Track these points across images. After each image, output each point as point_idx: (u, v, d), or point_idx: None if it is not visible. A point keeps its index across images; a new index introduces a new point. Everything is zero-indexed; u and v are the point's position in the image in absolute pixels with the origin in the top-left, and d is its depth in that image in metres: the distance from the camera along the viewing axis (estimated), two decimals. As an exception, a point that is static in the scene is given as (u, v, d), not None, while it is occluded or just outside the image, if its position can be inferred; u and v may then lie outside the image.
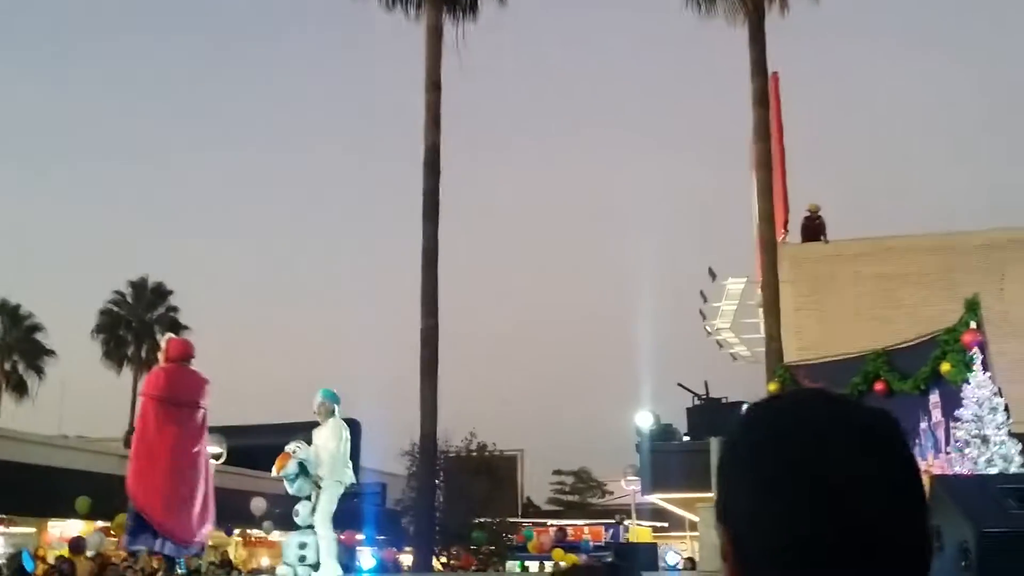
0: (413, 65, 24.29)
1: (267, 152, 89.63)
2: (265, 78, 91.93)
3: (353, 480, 11.27)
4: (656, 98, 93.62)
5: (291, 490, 10.73)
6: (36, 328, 43.40)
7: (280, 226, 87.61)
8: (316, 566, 10.62)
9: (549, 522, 41.39)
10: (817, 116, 78.71)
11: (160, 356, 9.53)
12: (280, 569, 10.88)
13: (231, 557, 25.71)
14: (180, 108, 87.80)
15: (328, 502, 10.74)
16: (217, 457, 23.45)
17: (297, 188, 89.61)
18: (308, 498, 10.74)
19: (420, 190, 23.18)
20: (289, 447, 10.71)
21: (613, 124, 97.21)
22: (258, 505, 24.82)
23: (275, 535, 26.07)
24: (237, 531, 26.24)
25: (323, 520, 10.73)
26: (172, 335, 10.46)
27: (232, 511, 24.91)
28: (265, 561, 23.62)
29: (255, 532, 25.75)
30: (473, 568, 28.88)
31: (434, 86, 23.75)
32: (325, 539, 10.73)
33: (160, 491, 8.83)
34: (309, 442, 10.91)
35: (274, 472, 10.71)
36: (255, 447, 21.93)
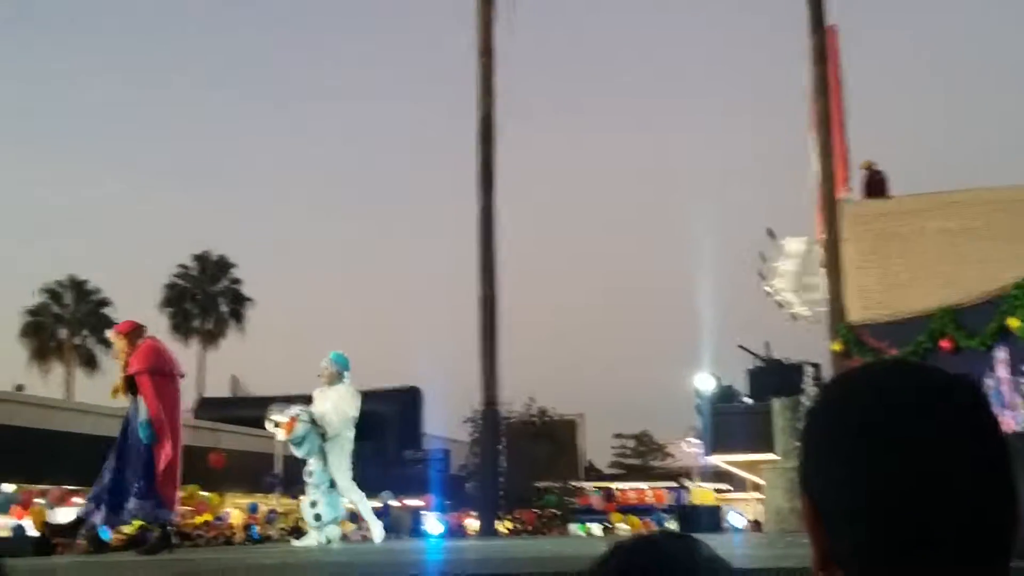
0: (468, 32, 24.26)
1: (324, 122, 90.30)
2: (322, 57, 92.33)
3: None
4: (712, 57, 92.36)
5: (300, 453, 10.74)
6: (104, 303, 44.47)
7: (339, 196, 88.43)
8: (332, 522, 10.73)
9: (615, 485, 41.56)
10: (878, 70, 76.90)
11: (119, 341, 9.15)
12: (307, 538, 10.90)
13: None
14: (234, 81, 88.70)
15: (344, 465, 10.76)
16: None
17: (355, 157, 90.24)
18: (315, 459, 10.71)
19: (476, 158, 23.24)
20: (291, 410, 10.62)
21: (669, 85, 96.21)
22: None
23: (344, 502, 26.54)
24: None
25: (348, 484, 10.77)
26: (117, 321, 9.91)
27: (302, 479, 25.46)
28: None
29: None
30: (528, 529, 29.17)
31: (486, 52, 23.68)
32: (357, 499, 10.87)
33: (175, 467, 8.84)
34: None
35: (281, 436, 10.64)
36: (320, 416, 22.27)
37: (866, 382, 1.00)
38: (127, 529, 9.29)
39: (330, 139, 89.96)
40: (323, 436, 10.63)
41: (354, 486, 10.87)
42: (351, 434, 10.90)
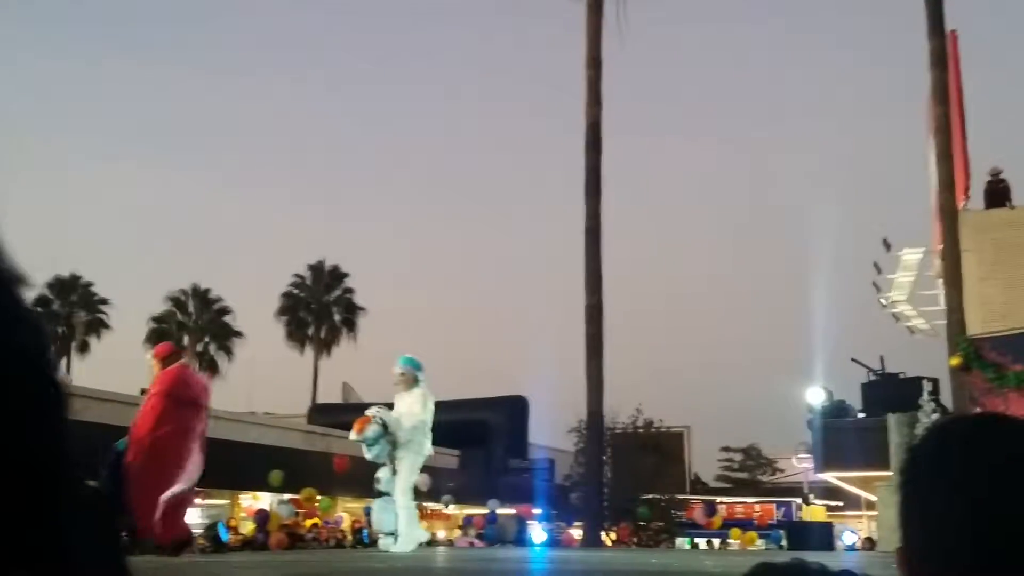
0: (574, 41, 24.36)
1: (430, 131, 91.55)
2: (425, 62, 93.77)
3: (431, 452, 10.80)
4: (827, 60, 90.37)
5: (369, 455, 10.40)
6: (225, 311, 46.06)
7: (444, 207, 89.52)
8: (393, 533, 10.38)
9: (718, 499, 40.95)
10: (999, 76, 73.96)
11: (154, 364, 9.06)
12: (382, 541, 10.65)
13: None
14: (340, 96, 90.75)
15: (408, 471, 10.47)
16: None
17: (460, 167, 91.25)
18: (385, 464, 10.43)
19: (582, 166, 23.29)
20: (369, 411, 10.41)
21: (780, 90, 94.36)
22: (423, 480, 25.57)
23: (452, 509, 26.85)
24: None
25: (404, 490, 10.45)
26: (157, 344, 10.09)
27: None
28: (441, 534, 24.39)
29: (430, 505, 26.64)
30: (635, 542, 28.96)
31: (594, 63, 23.74)
32: (405, 509, 10.43)
33: (152, 493, 8.42)
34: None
35: (353, 435, 10.41)
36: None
37: (955, 433, 1.01)
38: None
39: (435, 147, 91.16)
40: (394, 443, 10.35)
41: (410, 493, 10.58)
42: (427, 441, 10.61)
